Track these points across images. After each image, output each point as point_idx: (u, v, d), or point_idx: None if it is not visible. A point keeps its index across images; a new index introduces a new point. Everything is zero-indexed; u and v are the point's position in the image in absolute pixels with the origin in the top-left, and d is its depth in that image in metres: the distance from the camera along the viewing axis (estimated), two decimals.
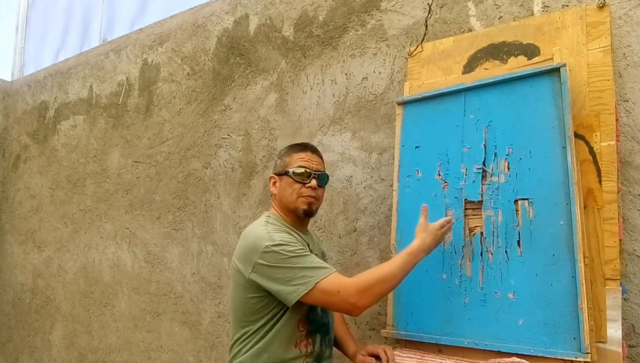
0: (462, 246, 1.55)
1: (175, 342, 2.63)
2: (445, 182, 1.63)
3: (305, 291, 1.35)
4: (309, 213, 1.55)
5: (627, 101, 1.49)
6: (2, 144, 4.09)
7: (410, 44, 1.93)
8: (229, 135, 2.53)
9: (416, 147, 1.72)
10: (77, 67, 3.57)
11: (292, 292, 1.36)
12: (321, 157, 1.61)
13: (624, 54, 1.50)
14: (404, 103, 1.79)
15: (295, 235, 1.51)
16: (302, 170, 1.51)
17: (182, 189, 2.71)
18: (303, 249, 1.42)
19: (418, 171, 1.70)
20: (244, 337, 1.47)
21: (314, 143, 2.17)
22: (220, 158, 2.55)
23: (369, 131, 2.02)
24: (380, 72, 2.02)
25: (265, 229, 1.46)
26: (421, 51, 1.86)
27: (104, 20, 3.68)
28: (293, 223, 1.56)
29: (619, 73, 1.50)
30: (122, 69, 3.20)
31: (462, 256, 1.55)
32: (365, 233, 1.98)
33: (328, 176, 1.60)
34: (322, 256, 1.66)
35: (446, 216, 1.59)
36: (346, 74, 2.12)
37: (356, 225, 2.01)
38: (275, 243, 1.40)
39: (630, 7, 1.50)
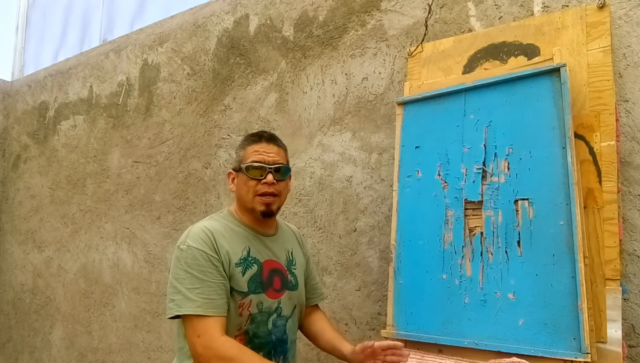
0: (462, 246, 1.55)
1: None
2: (445, 182, 1.63)
3: (169, 315, 1.27)
4: (268, 214, 1.39)
5: (627, 101, 1.49)
6: (2, 144, 4.09)
7: (411, 44, 1.93)
8: (229, 135, 2.53)
9: (416, 147, 1.72)
10: (77, 67, 3.57)
11: (167, 308, 1.28)
12: (281, 146, 1.44)
13: (624, 54, 1.50)
14: (404, 103, 1.79)
15: (243, 238, 1.38)
16: (256, 165, 1.36)
17: (182, 189, 2.71)
18: (204, 269, 1.26)
19: (418, 171, 1.70)
20: (179, 346, 1.36)
21: (314, 143, 2.18)
22: (220, 158, 2.55)
23: (369, 131, 2.02)
24: (380, 73, 2.02)
25: (199, 225, 1.35)
26: (421, 51, 1.86)
27: (104, 20, 3.67)
28: (252, 223, 1.43)
29: (619, 73, 1.50)
30: (122, 69, 3.20)
31: (462, 257, 1.55)
32: (366, 233, 1.98)
33: (289, 168, 1.44)
34: (290, 261, 1.49)
35: (446, 216, 1.59)
36: (346, 74, 2.12)
37: (356, 225, 2.01)
38: (183, 247, 1.30)
39: (630, 7, 1.50)
